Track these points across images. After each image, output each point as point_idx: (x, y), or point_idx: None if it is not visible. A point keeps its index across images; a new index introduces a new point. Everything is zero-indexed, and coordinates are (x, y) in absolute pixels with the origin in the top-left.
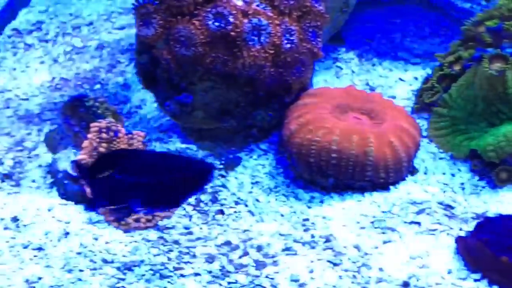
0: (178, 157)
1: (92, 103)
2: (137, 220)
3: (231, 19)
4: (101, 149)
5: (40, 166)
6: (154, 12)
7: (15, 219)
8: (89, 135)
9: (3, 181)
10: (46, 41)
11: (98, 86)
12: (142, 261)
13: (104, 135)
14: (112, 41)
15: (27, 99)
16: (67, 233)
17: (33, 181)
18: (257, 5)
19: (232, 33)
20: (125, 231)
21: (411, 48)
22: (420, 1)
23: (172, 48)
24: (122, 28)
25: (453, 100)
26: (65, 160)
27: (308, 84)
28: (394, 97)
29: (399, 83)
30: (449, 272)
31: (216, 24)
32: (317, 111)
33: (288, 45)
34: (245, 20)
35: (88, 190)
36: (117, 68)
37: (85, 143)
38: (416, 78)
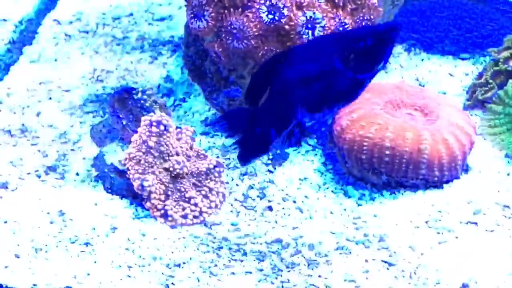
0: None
1: (141, 96)
2: (184, 216)
3: (285, 12)
4: (151, 143)
5: (84, 159)
6: (206, 4)
7: (61, 213)
8: (139, 129)
9: (47, 173)
10: (87, 32)
11: (140, 78)
12: (191, 258)
13: (154, 129)
14: (153, 33)
15: (68, 91)
16: (114, 228)
17: (77, 174)
18: None
19: (286, 26)
20: (172, 227)
21: (459, 41)
22: None
23: (223, 41)
24: (162, 19)
25: (509, 97)
26: (112, 154)
27: None
28: (444, 93)
29: (449, 78)
30: (510, 274)
31: (270, 16)
32: (369, 106)
33: None
34: (299, 13)
35: (137, 183)
36: (159, 60)
37: (135, 137)
38: (466, 74)
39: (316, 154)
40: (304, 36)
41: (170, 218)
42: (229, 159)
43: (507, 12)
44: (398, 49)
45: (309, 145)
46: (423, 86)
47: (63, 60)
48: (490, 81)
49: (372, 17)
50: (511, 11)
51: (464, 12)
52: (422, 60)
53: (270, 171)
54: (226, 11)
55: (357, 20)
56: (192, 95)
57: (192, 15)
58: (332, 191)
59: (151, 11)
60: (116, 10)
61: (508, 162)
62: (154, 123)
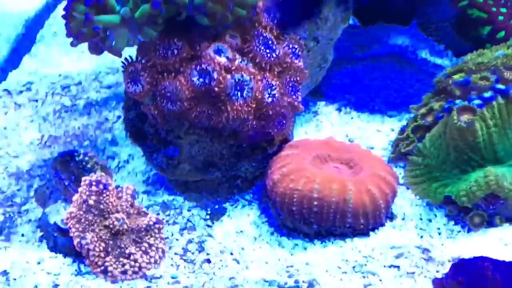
0: None
1: (82, 158)
2: (124, 272)
3: (214, 75)
4: (91, 202)
5: (30, 221)
6: (141, 70)
7: (4, 273)
8: (80, 189)
9: None
10: (36, 100)
11: (87, 142)
12: None
13: (94, 188)
14: (100, 100)
15: (17, 157)
16: (56, 286)
17: (23, 235)
18: (240, 62)
19: (216, 89)
20: (112, 282)
21: (387, 100)
22: (395, 58)
23: (159, 103)
24: (109, 87)
25: (427, 150)
26: (55, 214)
27: (290, 136)
28: (372, 148)
29: (376, 134)
30: None
31: (201, 80)
32: (299, 161)
33: (270, 99)
34: (228, 76)
35: (77, 240)
36: (105, 125)
37: (75, 196)
38: (392, 130)
39: (252, 208)
40: (233, 97)
41: (110, 274)
42: (169, 215)
43: (433, 73)
44: (329, 108)
45: (245, 200)
46: (352, 141)
47: (12, 128)
48: (411, 135)
49: (298, 78)
50: (437, 73)
51: (393, 74)
52: (352, 118)
53: (208, 226)
54: (160, 76)
55: (284, 82)
56: (136, 156)
57: (129, 80)
58: (267, 242)
59: (99, 79)
60: (65, 80)
61: (429, 209)
62: (94, 183)
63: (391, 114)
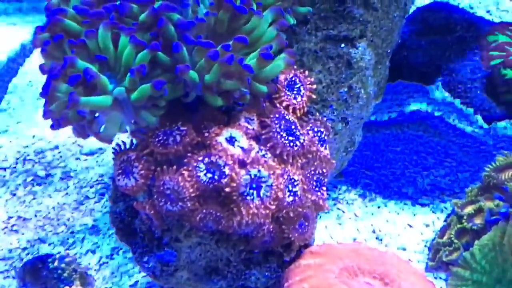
0: None
1: (57, 265)
2: None
3: (226, 171)
4: None
5: None
6: (135, 160)
7: None
8: None
9: None
10: (4, 169)
11: (62, 228)
12: None
13: None
14: (80, 170)
15: None
16: None
17: None
18: (257, 152)
19: (227, 188)
20: None
21: (414, 182)
22: (420, 126)
23: (156, 202)
24: (91, 153)
25: (477, 262)
26: None
27: (311, 239)
28: (404, 249)
29: (408, 230)
30: None
31: (209, 175)
32: (323, 275)
33: (291, 198)
34: (243, 172)
35: None
36: (84, 205)
37: None
38: (427, 225)
39: None
40: (248, 198)
41: None
42: None
43: (464, 146)
44: (351, 194)
45: None
46: (381, 240)
47: None
48: (455, 241)
49: (324, 170)
50: (468, 145)
51: (419, 146)
52: (379, 207)
53: None
54: (158, 168)
55: (307, 175)
56: (122, 250)
57: (120, 172)
58: None
59: (79, 143)
60: (39, 143)
61: None
62: None
63: (423, 203)
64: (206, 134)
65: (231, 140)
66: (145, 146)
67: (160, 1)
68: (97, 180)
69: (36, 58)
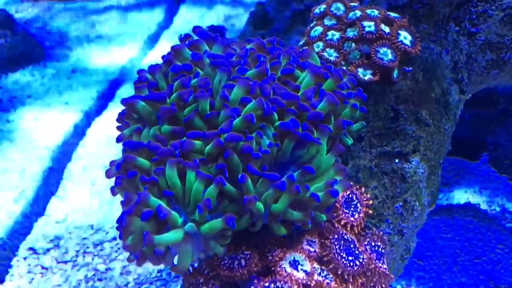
0: None
1: None
2: None
3: None
4: None
5: None
6: (203, 283)
7: None
8: None
9: None
10: (65, 262)
11: None
12: None
13: None
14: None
15: None
16: None
17: None
18: (319, 274)
19: None
20: None
21: (468, 268)
22: (470, 211)
23: None
24: None
25: None
26: None
27: None
28: None
29: None
30: None
31: None
32: None
33: None
34: None
35: None
36: None
37: None
38: None
39: None
40: None
41: None
42: None
43: None
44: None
45: None
46: None
47: None
48: None
49: (383, 286)
50: None
51: (470, 232)
52: None
53: None
54: None
55: None
56: None
57: None
58: None
59: None
60: (97, 235)
61: None
62: None
63: None
64: (270, 258)
65: (294, 264)
66: (211, 269)
67: (226, 134)
68: (156, 276)
69: (90, 141)
